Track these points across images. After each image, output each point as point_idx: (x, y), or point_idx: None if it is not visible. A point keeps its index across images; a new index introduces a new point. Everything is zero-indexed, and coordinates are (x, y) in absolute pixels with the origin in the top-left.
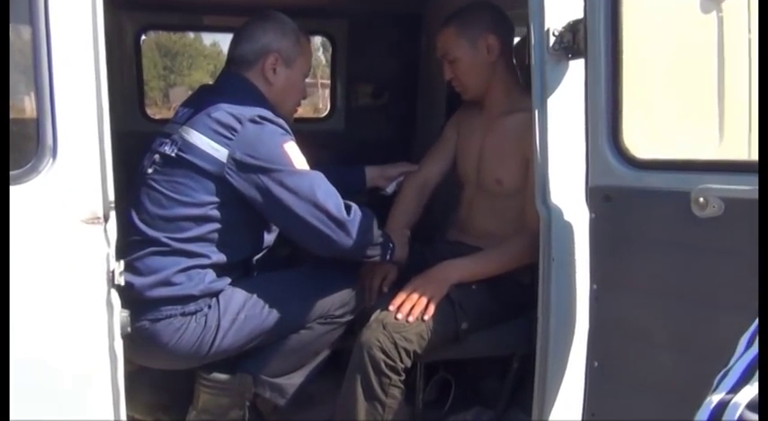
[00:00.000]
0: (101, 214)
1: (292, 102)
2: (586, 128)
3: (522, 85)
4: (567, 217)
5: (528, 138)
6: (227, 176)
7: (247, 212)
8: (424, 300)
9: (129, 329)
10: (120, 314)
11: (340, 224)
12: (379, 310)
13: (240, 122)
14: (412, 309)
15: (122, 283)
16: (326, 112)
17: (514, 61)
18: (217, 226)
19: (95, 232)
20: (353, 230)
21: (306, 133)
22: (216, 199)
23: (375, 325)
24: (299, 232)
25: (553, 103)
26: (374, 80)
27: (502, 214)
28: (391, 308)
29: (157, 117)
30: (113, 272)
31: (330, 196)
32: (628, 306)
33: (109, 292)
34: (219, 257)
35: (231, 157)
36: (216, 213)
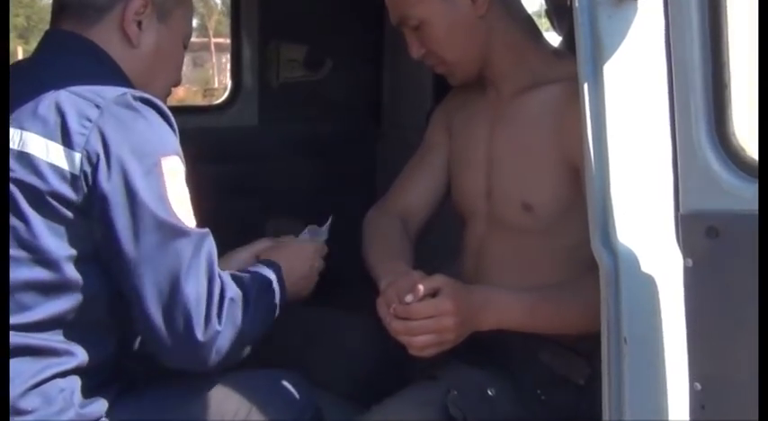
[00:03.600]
0: None
1: (164, 80)
2: (672, 114)
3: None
4: (645, 267)
5: (571, 125)
6: (86, 194)
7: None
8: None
9: None
10: None
11: (197, 345)
12: None
13: (98, 107)
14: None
15: None
16: (226, 95)
17: (545, 6)
18: (81, 296)
19: None
20: (216, 349)
21: (190, 133)
22: (75, 248)
23: None
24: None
25: (612, 72)
26: (306, 39)
27: (536, 263)
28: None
29: None
30: None
31: (201, 297)
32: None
33: None
34: (92, 353)
35: (87, 162)
36: (78, 274)
